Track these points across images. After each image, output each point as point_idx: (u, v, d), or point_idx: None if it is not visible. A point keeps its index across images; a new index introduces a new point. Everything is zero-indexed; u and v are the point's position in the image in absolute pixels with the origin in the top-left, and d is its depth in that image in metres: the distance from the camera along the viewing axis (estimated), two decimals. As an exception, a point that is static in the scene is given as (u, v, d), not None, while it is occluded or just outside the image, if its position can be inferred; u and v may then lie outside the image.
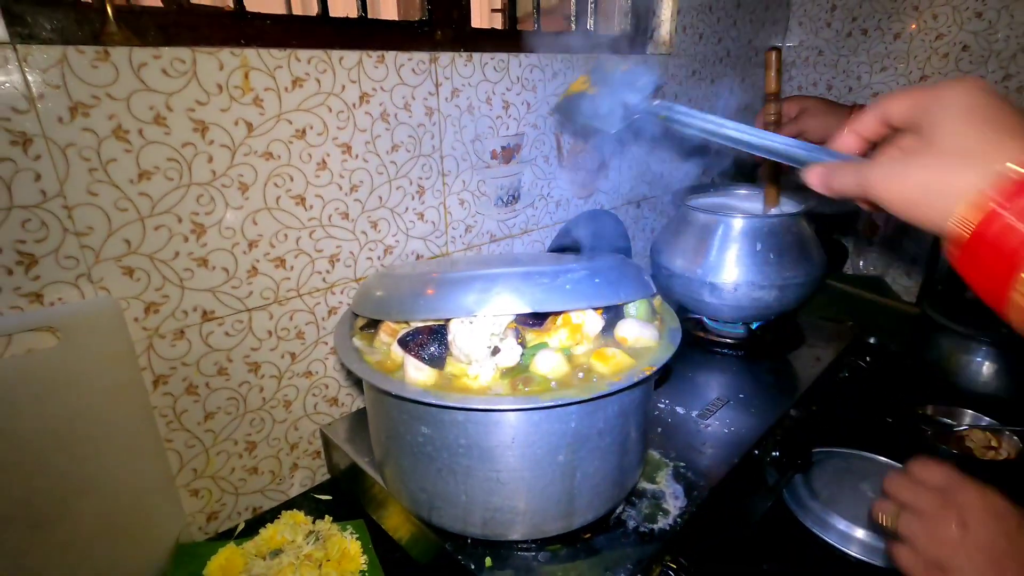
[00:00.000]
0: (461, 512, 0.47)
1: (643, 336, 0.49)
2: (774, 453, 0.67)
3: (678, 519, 0.54)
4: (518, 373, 0.45)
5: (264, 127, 0.59)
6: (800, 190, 1.11)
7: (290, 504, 0.70)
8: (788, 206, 0.97)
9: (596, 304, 0.47)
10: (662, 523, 0.54)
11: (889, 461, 0.78)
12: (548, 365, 0.44)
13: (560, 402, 0.40)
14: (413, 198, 0.74)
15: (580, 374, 0.45)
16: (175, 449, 0.60)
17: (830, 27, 1.36)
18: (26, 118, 0.46)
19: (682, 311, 0.96)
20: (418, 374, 0.42)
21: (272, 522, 0.64)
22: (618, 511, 0.55)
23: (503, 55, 0.79)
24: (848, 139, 0.40)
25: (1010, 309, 0.29)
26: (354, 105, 0.65)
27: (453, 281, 0.45)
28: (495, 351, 0.44)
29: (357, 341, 0.52)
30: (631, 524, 0.53)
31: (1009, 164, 0.28)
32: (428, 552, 0.55)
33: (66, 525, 0.53)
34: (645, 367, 0.44)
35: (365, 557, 0.61)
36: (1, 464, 0.48)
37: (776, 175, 0.91)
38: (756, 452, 0.67)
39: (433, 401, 0.40)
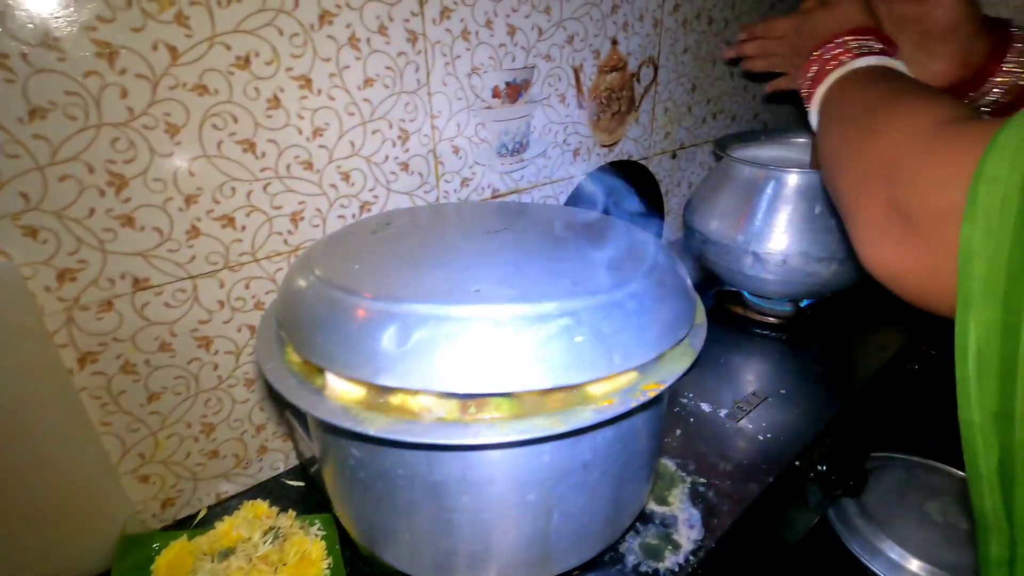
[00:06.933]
0: (405, 552, 0.37)
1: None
2: (820, 467, 0.55)
3: (691, 557, 0.43)
4: (474, 385, 0.33)
5: (193, 53, 0.47)
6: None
7: (259, 489, 0.64)
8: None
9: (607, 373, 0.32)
10: (670, 561, 0.43)
11: (961, 473, 0.65)
12: (515, 376, 0.33)
13: (522, 438, 0.29)
14: (394, 145, 0.62)
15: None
16: (115, 434, 0.53)
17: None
18: None
19: (717, 283, 0.82)
20: (340, 384, 0.32)
21: (232, 513, 0.57)
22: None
23: (508, -35, 0.64)
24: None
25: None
26: (312, 27, 0.53)
27: (386, 318, 0.31)
28: None
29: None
30: (631, 560, 0.43)
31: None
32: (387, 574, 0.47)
33: (-15, 517, 0.47)
34: (649, 384, 0.32)
35: (330, 559, 0.54)
36: None
37: None
38: (798, 464, 0.55)
39: (349, 426, 0.29)
